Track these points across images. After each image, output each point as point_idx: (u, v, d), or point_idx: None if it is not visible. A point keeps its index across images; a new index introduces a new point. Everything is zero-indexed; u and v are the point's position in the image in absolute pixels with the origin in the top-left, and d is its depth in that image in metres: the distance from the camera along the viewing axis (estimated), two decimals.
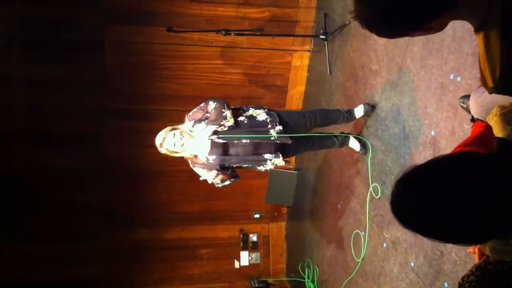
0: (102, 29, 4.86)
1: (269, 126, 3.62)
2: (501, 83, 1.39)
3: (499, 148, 1.37)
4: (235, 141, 3.58)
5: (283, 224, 6.01)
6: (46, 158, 5.02)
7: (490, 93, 1.47)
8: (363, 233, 4.07)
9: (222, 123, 3.54)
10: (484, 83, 1.46)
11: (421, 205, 1.15)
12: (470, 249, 1.51)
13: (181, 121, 3.69)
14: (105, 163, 5.18)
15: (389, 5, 1.33)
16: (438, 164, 1.19)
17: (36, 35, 4.74)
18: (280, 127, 3.64)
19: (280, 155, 3.69)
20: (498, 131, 1.45)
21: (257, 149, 3.65)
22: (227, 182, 3.65)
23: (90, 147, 5.13)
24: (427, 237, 1.18)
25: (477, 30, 1.41)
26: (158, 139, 3.53)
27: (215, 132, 3.54)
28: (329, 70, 4.78)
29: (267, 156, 3.67)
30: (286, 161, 3.85)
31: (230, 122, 3.57)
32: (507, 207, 1.11)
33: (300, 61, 5.38)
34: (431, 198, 1.14)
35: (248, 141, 3.59)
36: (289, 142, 3.68)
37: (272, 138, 3.61)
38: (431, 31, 1.40)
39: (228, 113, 3.57)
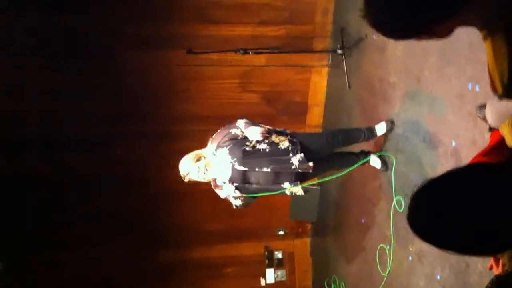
0: (122, 55, 4.94)
1: (291, 154, 3.62)
2: (510, 88, 1.40)
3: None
4: (257, 169, 3.59)
5: (308, 240, 5.97)
6: (70, 198, 5.09)
7: (500, 98, 1.48)
8: (388, 247, 4.03)
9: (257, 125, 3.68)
10: (493, 89, 1.47)
11: (435, 218, 1.15)
12: (488, 265, 1.51)
13: (203, 140, 3.73)
14: (129, 184, 5.23)
15: (397, 4, 1.31)
16: (451, 177, 1.19)
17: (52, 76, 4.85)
18: (302, 155, 3.63)
19: (298, 183, 3.70)
20: (510, 141, 1.45)
21: (278, 178, 3.66)
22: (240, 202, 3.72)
23: (115, 168, 5.18)
24: (442, 249, 1.19)
25: (484, 37, 1.42)
26: (183, 170, 3.59)
27: (246, 145, 3.58)
28: (348, 84, 4.78)
29: (285, 185, 3.69)
30: (305, 191, 3.85)
31: (263, 128, 3.66)
32: None
33: (319, 76, 5.39)
34: (444, 211, 1.14)
35: (269, 169, 3.60)
36: (310, 171, 3.70)
37: (293, 167, 3.62)
38: (436, 37, 1.40)
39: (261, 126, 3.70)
